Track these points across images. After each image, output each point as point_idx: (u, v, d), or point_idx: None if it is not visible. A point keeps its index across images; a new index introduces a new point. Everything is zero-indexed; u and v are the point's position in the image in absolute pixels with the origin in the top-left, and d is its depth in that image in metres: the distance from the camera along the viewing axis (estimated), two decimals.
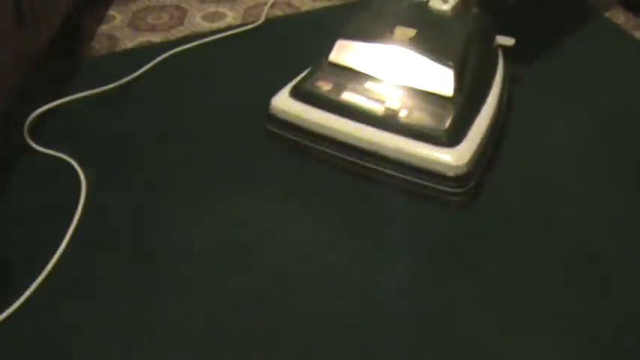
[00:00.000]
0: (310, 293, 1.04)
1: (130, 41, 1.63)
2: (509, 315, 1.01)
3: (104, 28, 1.68)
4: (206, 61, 1.54)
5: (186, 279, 1.06)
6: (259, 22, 1.68)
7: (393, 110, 1.18)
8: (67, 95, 1.37)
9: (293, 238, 1.13)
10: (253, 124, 1.26)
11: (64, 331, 0.98)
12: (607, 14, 1.72)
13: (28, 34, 1.28)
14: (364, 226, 1.15)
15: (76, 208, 1.16)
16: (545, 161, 1.28)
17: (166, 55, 1.54)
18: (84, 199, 1.17)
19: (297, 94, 1.25)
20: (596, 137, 1.34)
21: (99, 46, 1.61)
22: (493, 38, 1.37)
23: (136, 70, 1.47)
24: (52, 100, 1.34)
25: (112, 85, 1.41)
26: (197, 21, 1.71)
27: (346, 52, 1.27)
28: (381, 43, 1.25)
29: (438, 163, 1.14)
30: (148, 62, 1.50)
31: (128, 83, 1.45)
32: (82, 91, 1.38)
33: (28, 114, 1.30)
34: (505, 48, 1.38)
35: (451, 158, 1.14)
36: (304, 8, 1.76)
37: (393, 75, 1.23)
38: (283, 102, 1.25)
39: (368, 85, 1.23)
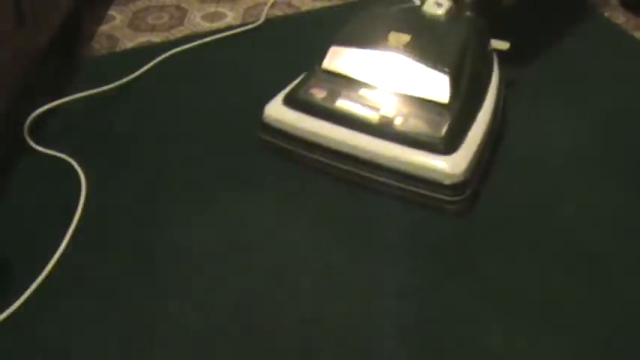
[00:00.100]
0: (310, 294, 1.04)
1: (130, 41, 1.63)
2: (509, 315, 1.01)
3: (104, 28, 1.68)
4: (206, 61, 1.54)
5: (186, 279, 1.06)
6: (259, 22, 1.68)
7: (388, 118, 1.16)
8: (67, 95, 1.37)
9: (293, 238, 1.13)
10: (253, 124, 1.26)
11: (64, 331, 0.98)
12: (607, 14, 1.72)
13: (28, 34, 1.28)
14: (363, 228, 1.14)
15: (76, 208, 1.16)
16: (545, 161, 1.28)
17: (166, 55, 1.54)
18: (84, 199, 1.17)
19: (291, 102, 1.23)
20: (596, 137, 1.34)
21: (99, 46, 1.61)
22: (488, 42, 1.35)
23: (136, 70, 1.47)
24: (52, 100, 1.34)
25: (112, 85, 1.41)
26: (197, 21, 1.71)
27: (340, 59, 1.25)
28: (375, 49, 1.23)
29: (435, 171, 1.13)
30: (148, 62, 1.50)
31: (128, 83, 1.45)
32: (82, 91, 1.38)
33: (28, 114, 1.30)
34: (500, 52, 1.36)
35: (448, 166, 1.12)
36: (304, 8, 1.76)
37: (387, 82, 1.21)
38: (277, 110, 1.23)
39: (362, 92, 1.21)
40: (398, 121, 1.16)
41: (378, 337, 0.98)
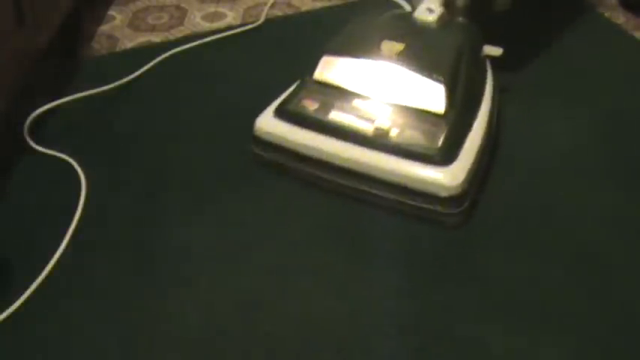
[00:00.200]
0: (310, 293, 1.04)
1: (130, 41, 1.63)
2: (509, 315, 1.01)
3: (104, 28, 1.68)
4: (206, 61, 1.54)
5: (186, 279, 1.06)
6: (259, 22, 1.68)
7: (383, 129, 1.14)
8: (67, 95, 1.37)
9: (293, 238, 1.13)
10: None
11: (64, 331, 0.98)
12: (607, 14, 1.72)
13: (28, 34, 1.28)
14: (360, 233, 1.14)
15: (76, 208, 1.16)
16: (545, 161, 1.28)
17: (166, 55, 1.54)
18: (84, 199, 1.17)
19: (282, 114, 1.20)
20: (596, 137, 1.34)
21: (99, 46, 1.61)
22: (481, 48, 1.33)
23: (136, 70, 1.47)
24: (52, 100, 1.34)
25: (112, 85, 1.42)
26: (197, 21, 1.71)
27: (332, 69, 1.22)
28: (368, 58, 1.20)
29: (432, 183, 1.10)
30: (148, 62, 1.50)
31: (128, 83, 1.45)
32: (82, 91, 1.38)
33: (28, 114, 1.30)
34: (493, 58, 1.34)
35: (445, 178, 1.10)
36: (304, 8, 1.76)
37: (381, 92, 1.18)
38: (268, 123, 1.20)
39: (356, 103, 1.18)
40: (393, 133, 1.14)
41: (378, 337, 0.98)
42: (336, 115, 1.17)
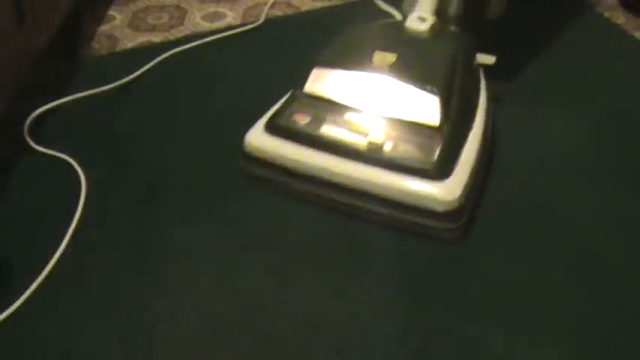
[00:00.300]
0: (310, 293, 1.04)
1: (130, 41, 1.63)
2: (510, 315, 1.01)
3: (104, 28, 1.68)
4: (206, 61, 1.54)
5: (186, 279, 1.06)
6: (259, 22, 1.68)
7: (377, 143, 1.10)
8: (67, 95, 1.37)
9: (293, 238, 1.13)
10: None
11: (64, 331, 0.98)
12: (607, 14, 1.72)
13: (28, 34, 1.28)
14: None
15: (76, 208, 1.16)
16: (545, 161, 1.28)
17: (166, 55, 1.54)
18: (84, 199, 1.17)
19: (273, 128, 1.16)
20: (596, 137, 1.34)
21: (99, 46, 1.61)
22: (474, 57, 1.30)
23: (136, 70, 1.47)
24: (52, 100, 1.34)
25: (112, 85, 1.42)
26: (197, 21, 1.71)
27: (323, 82, 1.19)
28: (360, 70, 1.17)
29: (428, 198, 1.07)
30: (148, 62, 1.50)
31: (128, 83, 1.45)
32: (82, 91, 1.38)
33: (28, 114, 1.30)
34: (486, 67, 1.31)
35: (442, 193, 1.07)
36: (304, 8, 1.76)
37: (374, 105, 1.15)
38: (258, 138, 1.17)
39: (348, 116, 1.15)
40: (387, 147, 1.11)
41: (377, 337, 0.98)
42: (328, 129, 1.14)
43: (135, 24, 1.70)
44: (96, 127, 1.35)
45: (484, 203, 1.18)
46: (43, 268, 1.05)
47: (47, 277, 1.04)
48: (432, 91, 1.13)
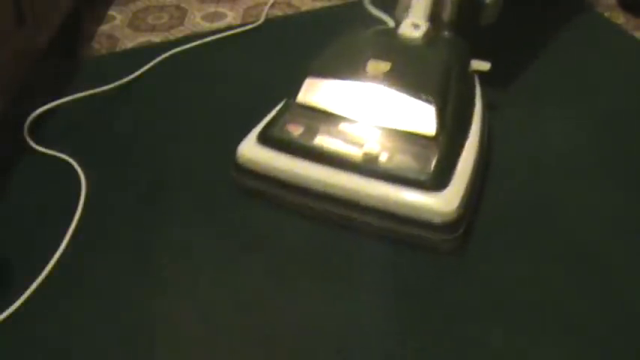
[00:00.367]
0: (310, 293, 1.04)
1: (130, 41, 1.63)
2: (509, 315, 1.01)
3: (104, 28, 1.68)
4: (206, 61, 1.54)
5: (186, 279, 1.06)
6: (259, 22, 1.68)
7: (372, 154, 1.08)
8: (67, 95, 1.37)
9: (292, 240, 1.13)
10: (253, 124, 1.25)
11: (64, 331, 0.98)
12: (607, 14, 1.72)
13: (28, 34, 1.28)
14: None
15: (76, 208, 1.16)
16: (545, 161, 1.28)
17: (166, 55, 1.54)
18: (84, 199, 1.17)
19: (266, 140, 1.14)
20: (595, 137, 1.34)
21: (99, 46, 1.61)
22: (469, 64, 1.28)
23: (136, 70, 1.47)
24: (52, 100, 1.34)
25: (112, 85, 1.42)
26: (197, 21, 1.71)
27: (316, 92, 1.16)
28: (354, 80, 1.15)
29: (425, 210, 1.05)
30: (148, 62, 1.50)
31: (128, 83, 1.45)
32: (82, 91, 1.38)
33: (28, 114, 1.30)
34: (481, 73, 1.29)
35: (439, 204, 1.05)
36: (304, 8, 1.76)
37: (369, 115, 1.13)
38: (251, 149, 1.15)
39: (342, 127, 1.12)
40: (383, 158, 1.08)
41: (377, 337, 0.98)
42: (322, 140, 1.12)
43: (135, 24, 1.70)
44: (96, 127, 1.35)
45: (484, 203, 1.18)
46: (43, 268, 1.05)
47: (47, 277, 1.04)
48: (427, 100, 1.11)
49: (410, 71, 1.17)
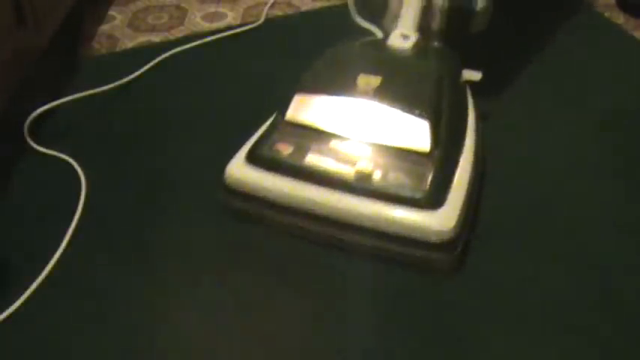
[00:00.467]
0: (310, 292, 1.04)
1: (130, 41, 1.63)
2: (509, 315, 1.01)
3: (104, 28, 1.68)
4: (206, 61, 1.54)
5: (186, 279, 1.06)
6: (259, 22, 1.68)
7: (365, 172, 1.05)
8: (67, 95, 1.37)
9: (291, 241, 1.12)
10: (253, 124, 1.25)
11: (64, 331, 0.98)
12: (607, 14, 1.72)
13: (28, 33, 1.28)
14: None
15: (76, 208, 1.16)
16: (544, 161, 1.28)
17: (166, 55, 1.54)
18: (84, 199, 1.17)
19: (255, 159, 1.10)
20: (596, 137, 1.34)
21: (99, 46, 1.61)
22: (460, 75, 1.24)
23: (136, 70, 1.48)
24: (52, 100, 1.34)
25: (112, 85, 1.42)
26: (197, 21, 1.71)
27: (305, 109, 1.12)
28: (344, 95, 1.11)
29: (422, 229, 1.02)
30: (148, 62, 1.50)
31: (128, 83, 1.45)
32: (82, 91, 1.38)
33: (28, 114, 1.30)
34: (473, 83, 1.25)
35: (436, 223, 1.02)
36: (304, 8, 1.77)
37: (360, 132, 1.10)
38: (240, 170, 1.11)
39: (334, 144, 1.09)
40: (376, 176, 1.05)
41: (377, 337, 0.98)
42: (312, 159, 1.08)
43: (135, 24, 1.70)
44: (96, 127, 1.35)
45: (483, 204, 1.18)
46: (43, 268, 1.05)
47: (47, 277, 1.04)
48: (420, 115, 1.07)
49: (401, 85, 1.13)
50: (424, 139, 1.07)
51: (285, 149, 1.10)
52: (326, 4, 1.77)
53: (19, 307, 1.00)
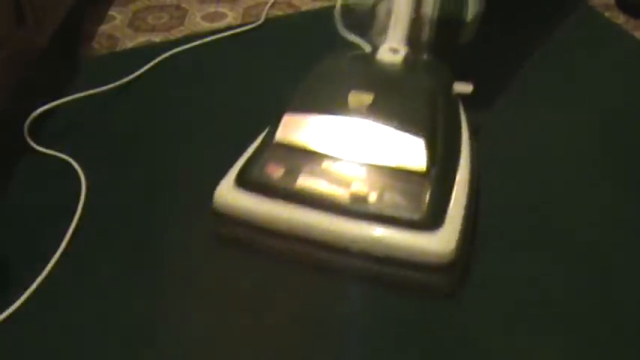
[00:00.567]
0: (310, 292, 1.04)
1: (130, 41, 1.63)
2: (510, 315, 1.01)
3: (104, 28, 1.68)
4: (206, 61, 1.54)
5: (186, 279, 1.06)
6: (259, 22, 1.68)
7: (361, 194, 1.00)
8: (67, 95, 1.37)
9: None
10: (253, 124, 1.25)
11: (64, 331, 0.98)
12: (607, 14, 1.72)
13: (28, 34, 1.28)
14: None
15: (76, 208, 1.16)
16: (544, 161, 1.28)
17: (166, 55, 1.54)
18: (84, 199, 1.17)
19: (244, 183, 1.06)
20: (595, 137, 1.34)
21: (99, 46, 1.61)
22: (452, 88, 1.20)
23: (136, 70, 1.48)
24: (52, 100, 1.34)
25: (111, 85, 1.42)
26: (197, 21, 1.72)
27: (296, 129, 1.08)
28: (336, 114, 1.07)
29: (421, 251, 0.98)
30: (148, 62, 1.50)
31: (128, 83, 1.45)
32: (82, 91, 1.38)
33: (28, 114, 1.30)
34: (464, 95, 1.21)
35: (436, 245, 0.98)
36: (304, 8, 1.77)
37: (354, 152, 1.05)
38: (229, 194, 1.06)
39: (326, 166, 1.04)
40: (372, 198, 1.00)
41: (377, 337, 0.98)
42: (305, 182, 1.03)
43: (135, 24, 1.70)
44: (96, 127, 1.35)
45: (484, 204, 1.18)
46: (43, 268, 1.05)
47: (47, 277, 1.04)
48: (415, 133, 1.04)
49: (394, 102, 1.09)
50: (420, 158, 1.03)
51: (276, 171, 1.05)
52: (326, 4, 1.77)
53: (19, 307, 1.00)
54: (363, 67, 1.20)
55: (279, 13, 1.74)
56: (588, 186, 1.23)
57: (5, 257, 1.07)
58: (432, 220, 0.99)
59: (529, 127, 1.36)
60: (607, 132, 1.35)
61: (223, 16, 1.74)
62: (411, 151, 1.03)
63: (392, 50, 1.19)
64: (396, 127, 1.04)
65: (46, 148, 1.27)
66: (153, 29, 1.68)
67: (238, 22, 1.70)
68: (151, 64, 1.50)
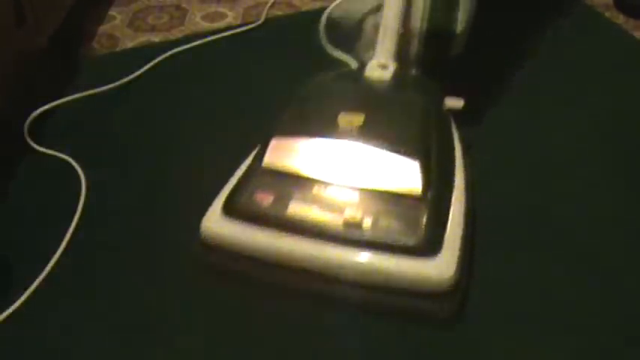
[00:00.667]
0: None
1: (130, 41, 1.63)
2: (509, 315, 1.01)
3: (104, 28, 1.68)
4: (206, 61, 1.54)
5: (186, 279, 1.06)
6: (259, 22, 1.68)
7: (355, 221, 0.96)
8: (67, 95, 1.37)
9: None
10: (253, 124, 1.26)
11: (64, 331, 0.98)
12: (607, 14, 1.72)
13: (28, 33, 1.28)
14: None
15: (76, 208, 1.16)
16: (544, 161, 1.28)
17: (166, 55, 1.54)
18: (84, 199, 1.17)
19: (232, 211, 1.01)
20: (596, 137, 1.34)
21: (99, 46, 1.61)
22: (443, 104, 1.17)
23: (136, 70, 1.48)
24: (52, 100, 1.34)
25: (111, 85, 1.42)
26: (197, 21, 1.72)
27: (284, 154, 1.03)
28: (325, 137, 1.02)
29: (420, 278, 0.94)
30: (148, 62, 1.50)
31: (128, 83, 1.45)
32: (82, 91, 1.38)
33: (28, 114, 1.30)
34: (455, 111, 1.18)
35: (435, 271, 0.94)
36: (304, 8, 1.77)
37: (346, 176, 1.00)
38: (216, 223, 1.02)
39: (318, 191, 0.99)
40: (366, 224, 0.96)
41: (377, 337, 0.98)
42: (296, 209, 0.98)
43: (135, 24, 1.70)
44: (96, 127, 1.35)
45: (484, 204, 1.18)
46: (43, 268, 1.05)
47: (47, 277, 1.04)
48: (409, 155, 0.99)
49: (386, 122, 1.05)
50: (415, 181, 0.98)
51: (265, 199, 1.00)
52: (326, 4, 1.77)
53: (19, 307, 1.00)
54: (351, 86, 1.16)
55: (279, 13, 1.74)
56: (588, 186, 1.23)
57: (5, 257, 1.07)
58: (430, 245, 0.95)
59: (529, 127, 1.36)
60: (607, 132, 1.35)
61: (223, 16, 1.74)
62: (405, 174, 0.99)
63: (381, 66, 1.15)
64: (389, 149, 1.00)
65: (46, 148, 1.27)
66: (153, 29, 1.68)
67: (238, 22, 1.70)
68: (151, 64, 1.50)
